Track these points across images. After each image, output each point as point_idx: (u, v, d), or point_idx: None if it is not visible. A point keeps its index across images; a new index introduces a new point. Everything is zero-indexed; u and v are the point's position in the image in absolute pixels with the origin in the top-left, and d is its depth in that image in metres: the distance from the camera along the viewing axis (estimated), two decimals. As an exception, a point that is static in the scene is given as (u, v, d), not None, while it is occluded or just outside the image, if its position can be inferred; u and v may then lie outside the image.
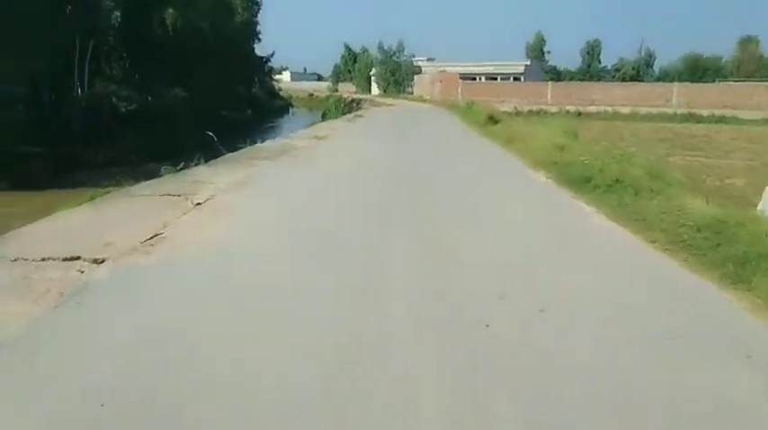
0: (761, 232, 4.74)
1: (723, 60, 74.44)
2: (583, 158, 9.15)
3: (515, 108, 38.74)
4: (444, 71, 52.62)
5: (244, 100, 54.06)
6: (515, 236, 5.65)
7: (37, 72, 25.57)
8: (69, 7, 27.74)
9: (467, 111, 26.57)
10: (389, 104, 41.04)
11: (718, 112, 35.56)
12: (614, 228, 5.91)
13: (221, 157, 11.90)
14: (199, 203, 7.27)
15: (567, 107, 40.37)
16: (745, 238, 4.66)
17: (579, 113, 39.22)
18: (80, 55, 28.52)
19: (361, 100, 52.29)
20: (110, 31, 30.55)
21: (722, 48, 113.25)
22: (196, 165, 10.79)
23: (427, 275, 4.44)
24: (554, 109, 40.25)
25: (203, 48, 37.03)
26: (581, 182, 7.89)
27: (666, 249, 4.99)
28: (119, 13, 33.27)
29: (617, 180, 7.43)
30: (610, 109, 40.20)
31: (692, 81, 49.65)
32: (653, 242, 5.22)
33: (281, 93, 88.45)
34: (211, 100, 45.67)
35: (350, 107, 47.54)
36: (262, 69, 68.31)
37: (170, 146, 31.92)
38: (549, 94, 41.75)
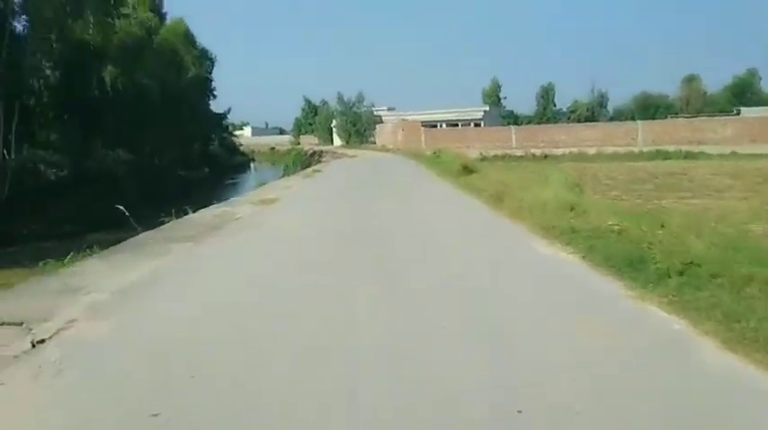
0: None
1: (670, 98, 75.96)
2: (611, 223, 6.65)
3: (481, 153, 37.00)
4: (405, 120, 51.17)
5: (200, 158, 51.19)
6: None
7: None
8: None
9: (435, 160, 24.37)
10: (351, 155, 38.84)
11: (684, 148, 34.63)
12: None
13: (131, 239, 9.00)
14: (41, 341, 4.36)
15: (533, 150, 39.02)
16: None
17: (545, 156, 37.84)
18: (6, 119, 25.38)
19: (322, 152, 50.07)
20: (43, 92, 27.52)
21: (667, 87, 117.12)
22: (89, 254, 7.85)
23: None
24: (519, 152, 38.83)
25: (149, 106, 34.34)
26: (630, 264, 5.31)
27: None
28: (57, 73, 30.47)
29: (690, 262, 4.88)
30: (575, 150, 38.96)
31: (644, 119, 49.48)
32: None
33: (241, 148, 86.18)
34: (161, 160, 42.69)
35: (310, 160, 45.22)
36: (219, 126, 65.81)
37: (109, 213, 28.64)
38: (514, 138, 40.40)
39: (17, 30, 25.79)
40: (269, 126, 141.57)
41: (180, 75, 42.81)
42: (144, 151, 36.36)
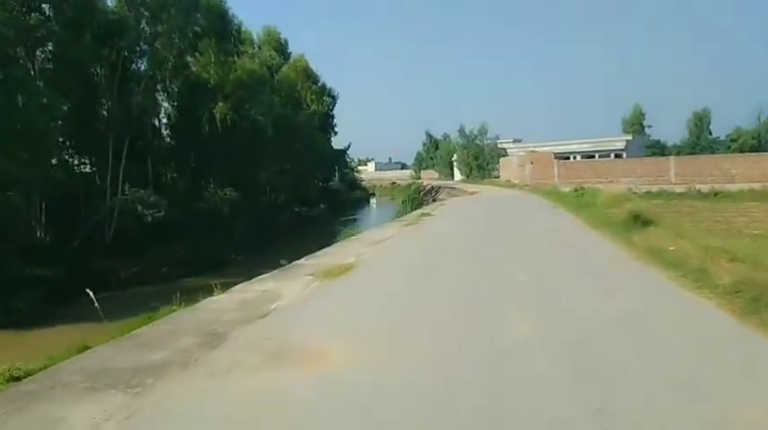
0: None
1: None
2: None
3: (630, 190, 30.07)
4: (535, 151, 45.16)
5: (317, 194, 49.51)
6: None
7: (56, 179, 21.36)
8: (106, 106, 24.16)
9: (577, 201, 18.73)
10: (471, 192, 33.91)
11: None
12: None
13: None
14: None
15: (698, 186, 31.14)
16: None
17: (716, 193, 29.97)
18: (114, 157, 24.54)
19: (439, 188, 45.77)
20: (156, 130, 26.65)
21: None
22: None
23: None
24: (680, 188, 31.17)
25: (262, 142, 32.67)
26: None
27: None
28: (171, 111, 29.89)
29: None
30: (758, 185, 30.44)
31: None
32: None
33: (363, 183, 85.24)
34: (276, 196, 41.21)
35: (423, 198, 41.06)
36: (340, 161, 64.61)
37: (213, 254, 26.71)
38: (673, 171, 32.70)
39: (132, 67, 25.10)
40: (392, 160, 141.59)
41: (297, 111, 41.36)
42: (256, 188, 34.74)
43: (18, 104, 20.56)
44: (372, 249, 10.59)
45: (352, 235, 13.85)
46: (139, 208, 22.42)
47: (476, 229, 14.36)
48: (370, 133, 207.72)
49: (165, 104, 28.60)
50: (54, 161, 22.99)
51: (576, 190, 22.93)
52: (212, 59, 31.32)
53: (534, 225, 14.53)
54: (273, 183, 37.72)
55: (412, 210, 28.52)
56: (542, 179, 39.10)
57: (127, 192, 22.68)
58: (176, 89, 28.30)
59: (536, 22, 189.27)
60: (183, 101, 28.95)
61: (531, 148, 48.47)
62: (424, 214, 18.83)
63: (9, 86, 19.85)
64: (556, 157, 41.75)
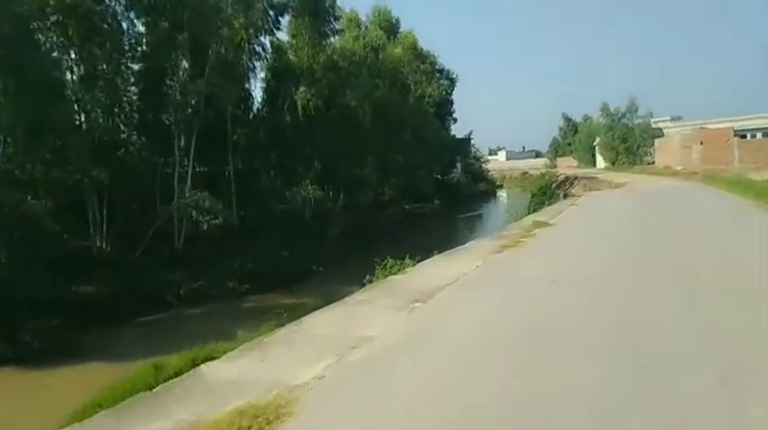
0: None
1: None
2: None
3: None
4: (705, 128, 34.88)
5: (432, 188, 43.58)
6: None
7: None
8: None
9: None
10: (616, 185, 25.78)
11: None
12: None
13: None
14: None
15: None
16: None
17: None
18: (184, 152, 21.42)
19: (575, 178, 37.52)
20: (228, 122, 23.04)
21: None
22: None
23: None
24: None
25: (359, 133, 27.87)
26: None
27: None
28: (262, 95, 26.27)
29: None
30: None
31: None
32: None
33: (491, 174, 77.67)
34: (381, 193, 36.41)
35: (558, 190, 33.30)
36: (461, 151, 57.99)
37: (290, 265, 22.45)
38: None
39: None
40: (525, 149, 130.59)
41: (405, 96, 35.88)
42: (354, 185, 30.16)
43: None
44: (435, 299, 4.94)
45: (384, 278, 8.05)
46: (194, 213, 18.89)
47: (621, 266, 7.71)
48: (501, 121, 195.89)
49: (250, 89, 24.87)
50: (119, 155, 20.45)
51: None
52: (302, 40, 27.24)
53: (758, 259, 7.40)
54: (376, 178, 32.89)
55: (541, 207, 21.77)
56: (716, 164, 29.41)
57: (188, 195, 19.29)
58: (258, 72, 24.74)
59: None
60: (266, 87, 25.33)
61: (700, 125, 37.81)
62: (538, 223, 12.31)
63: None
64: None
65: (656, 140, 44.25)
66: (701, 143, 31.44)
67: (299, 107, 24.28)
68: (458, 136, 55.11)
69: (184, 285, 18.24)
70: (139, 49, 21.35)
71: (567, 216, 14.03)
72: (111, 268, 17.42)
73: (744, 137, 35.22)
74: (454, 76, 50.62)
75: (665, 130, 46.82)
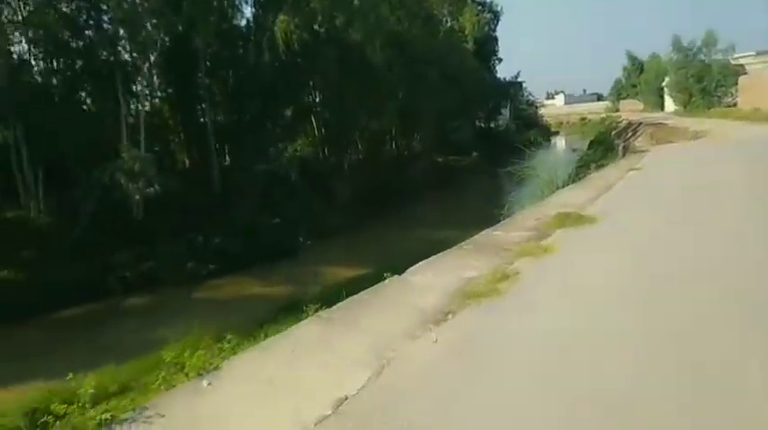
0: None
1: None
2: None
3: None
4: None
5: (469, 137, 38.17)
6: None
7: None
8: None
9: None
10: (692, 135, 19.86)
11: None
12: None
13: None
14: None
15: None
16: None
17: None
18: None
19: (639, 124, 31.19)
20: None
21: None
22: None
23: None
24: None
25: (367, 74, 22.94)
26: None
27: None
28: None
29: None
30: None
31: None
32: None
33: (547, 120, 70.73)
34: (405, 144, 31.66)
35: (618, 139, 27.42)
36: (510, 95, 51.51)
37: (268, 239, 18.14)
38: None
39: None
40: (586, 92, 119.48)
41: (431, 28, 30.15)
42: (363, 137, 25.60)
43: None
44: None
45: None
46: (122, 180, 14.77)
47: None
48: (561, 63, 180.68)
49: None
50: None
51: None
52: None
53: None
54: (397, 128, 28.13)
55: (593, 163, 16.80)
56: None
57: (123, 152, 15.09)
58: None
59: None
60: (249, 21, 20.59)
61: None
62: (566, 219, 7.44)
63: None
64: None
65: (741, 79, 36.51)
66: (806, 79, 24.54)
67: (280, 41, 19.48)
68: (507, 79, 48.65)
69: (131, 267, 14.77)
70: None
71: (624, 192, 9.16)
72: (45, 246, 14.25)
73: None
74: (498, 8, 43.75)
75: (748, 68, 38.66)
